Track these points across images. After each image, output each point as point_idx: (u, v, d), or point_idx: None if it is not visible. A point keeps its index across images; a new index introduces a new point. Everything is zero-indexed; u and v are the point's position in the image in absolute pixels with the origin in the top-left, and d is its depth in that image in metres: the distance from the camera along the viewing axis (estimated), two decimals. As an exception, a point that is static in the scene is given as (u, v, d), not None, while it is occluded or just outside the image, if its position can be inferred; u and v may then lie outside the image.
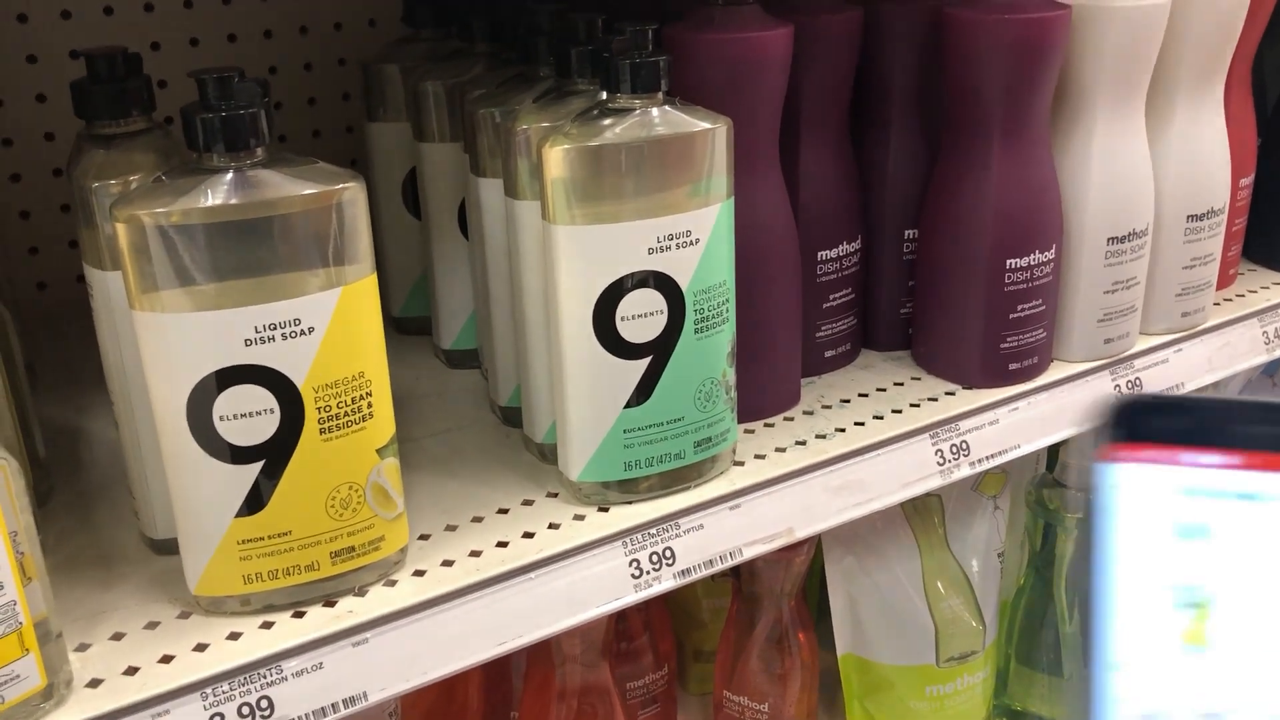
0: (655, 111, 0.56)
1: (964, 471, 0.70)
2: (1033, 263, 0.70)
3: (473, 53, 0.74)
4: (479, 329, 0.75)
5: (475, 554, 0.58)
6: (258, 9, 0.91)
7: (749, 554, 0.63)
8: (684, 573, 0.61)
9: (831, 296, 0.74)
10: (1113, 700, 0.32)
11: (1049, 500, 0.89)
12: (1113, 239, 0.73)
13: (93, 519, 0.62)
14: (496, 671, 0.85)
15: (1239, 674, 0.32)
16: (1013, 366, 0.73)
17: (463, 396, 0.75)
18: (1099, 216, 0.72)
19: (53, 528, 0.61)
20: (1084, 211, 0.72)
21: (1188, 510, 0.32)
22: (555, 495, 0.63)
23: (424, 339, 0.82)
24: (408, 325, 0.83)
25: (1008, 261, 0.70)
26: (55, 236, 0.89)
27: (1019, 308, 0.71)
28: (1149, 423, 0.33)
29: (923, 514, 0.87)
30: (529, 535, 0.59)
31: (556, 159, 0.55)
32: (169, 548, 0.57)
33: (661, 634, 0.90)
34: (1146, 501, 0.33)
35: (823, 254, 0.73)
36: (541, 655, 0.79)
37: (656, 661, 0.89)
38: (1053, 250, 0.71)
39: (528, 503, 0.62)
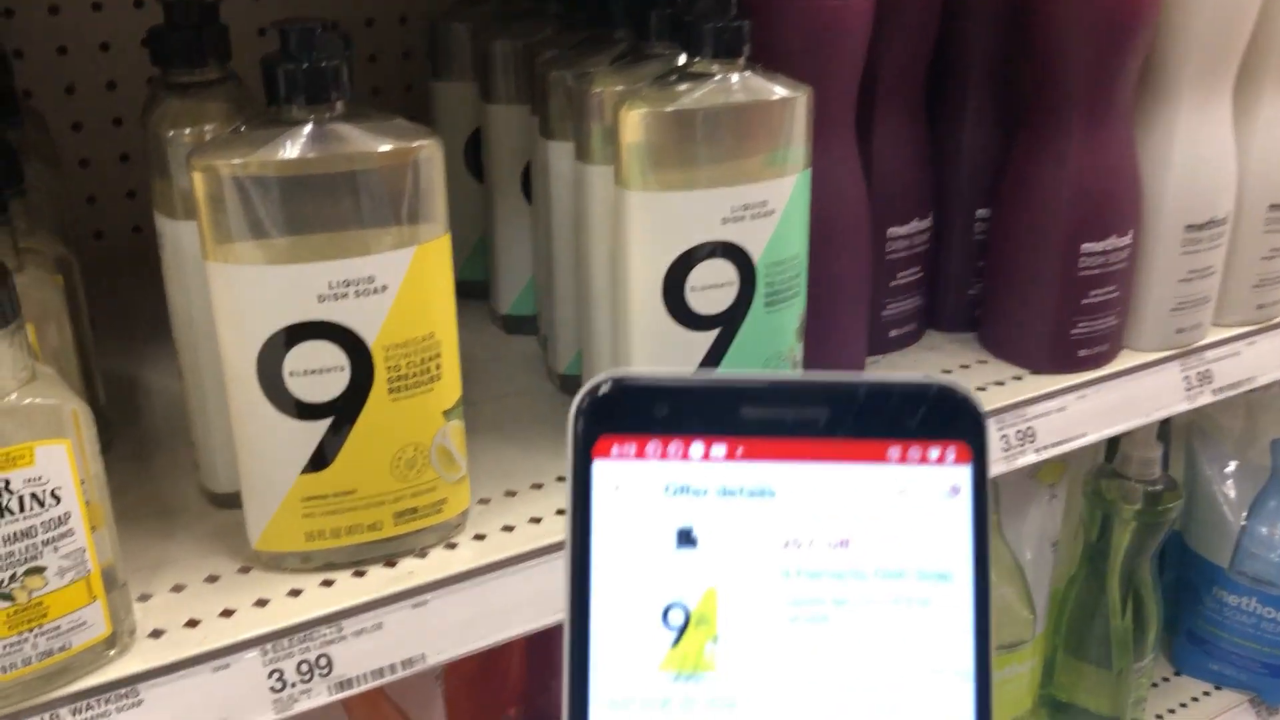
0: (735, 77, 0.55)
1: (1029, 458, 0.69)
2: (1109, 248, 0.69)
3: (543, 13, 0.72)
4: (539, 295, 0.74)
5: (535, 520, 0.57)
6: (322, -36, 0.90)
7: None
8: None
9: (900, 274, 0.72)
10: None
11: (1106, 491, 0.87)
12: (1191, 226, 0.71)
13: (152, 470, 0.62)
14: (540, 638, 0.85)
15: (742, 705, 0.27)
16: (1082, 353, 0.71)
17: (520, 362, 0.75)
18: (1179, 203, 0.70)
19: (113, 477, 0.60)
20: (1163, 197, 0.70)
21: (673, 512, 0.27)
22: (615, 465, 0.62)
23: (481, 303, 0.81)
24: (465, 289, 0.81)
25: (1083, 245, 0.68)
26: (114, 186, 0.89)
27: (1092, 293, 0.69)
28: (634, 410, 0.28)
29: (977, 499, 0.85)
30: (589, 504, 0.59)
31: (633, 123, 0.54)
32: (229, 501, 0.57)
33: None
34: (627, 503, 0.27)
35: (893, 230, 0.71)
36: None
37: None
38: (1130, 235, 0.69)
39: (587, 471, 0.62)
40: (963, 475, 0.28)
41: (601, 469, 0.28)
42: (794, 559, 0.28)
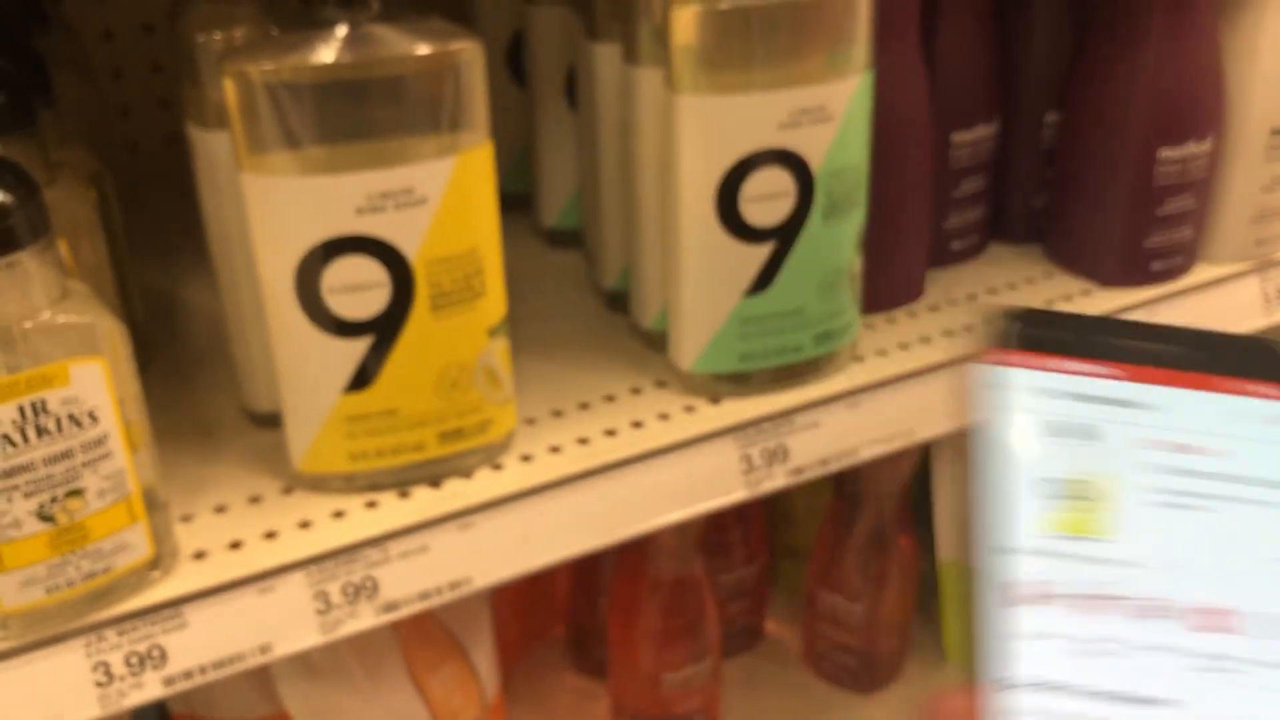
0: (794, -28, 0.52)
1: (1095, 376, 0.66)
2: (1186, 154, 0.65)
3: (588, -92, 0.68)
4: (584, 208, 0.71)
5: (583, 441, 0.56)
6: None
7: (866, 455, 0.60)
8: (797, 470, 0.58)
9: (963, 182, 0.69)
10: (999, 582, 0.35)
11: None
12: (1277, 131, 0.67)
13: (191, 389, 0.61)
14: (586, 558, 0.84)
15: (1129, 560, 0.34)
16: (1155, 266, 0.67)
17: (564, 278, 0.72)
18: (1264, 105, 0.66)
19: (152, 396, 0.59)
20: (1248, 99, 0.66)
21: (1070, 411, 0.35)
22: (664, 385, 0.60)
23: (523, 216, 0.79)
24: (507, 201, 0.78)
25: (1159, 151, 0.64)
26: (146, 97, 0.87)
27: (1167, 202, 0.66)
28: (1034, 333, 0.36)
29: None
30: (638, 425, 0.57)
31: (685, 22, 0.51)
32: (271, 421, 0.56)
33: (754, 529, 0.88)
34: (1030, 401, 0.35)
35: (957, 136, 0.67)
36: (633, 545, 0.78)
37: (748, 556, 0.88)
38: (1209, 140, 0.65)
39: (636, 391, 0.60)
40: None
41: (1016, 375, 0.36)
42: (1177, 461, 0.35)
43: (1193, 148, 0.65)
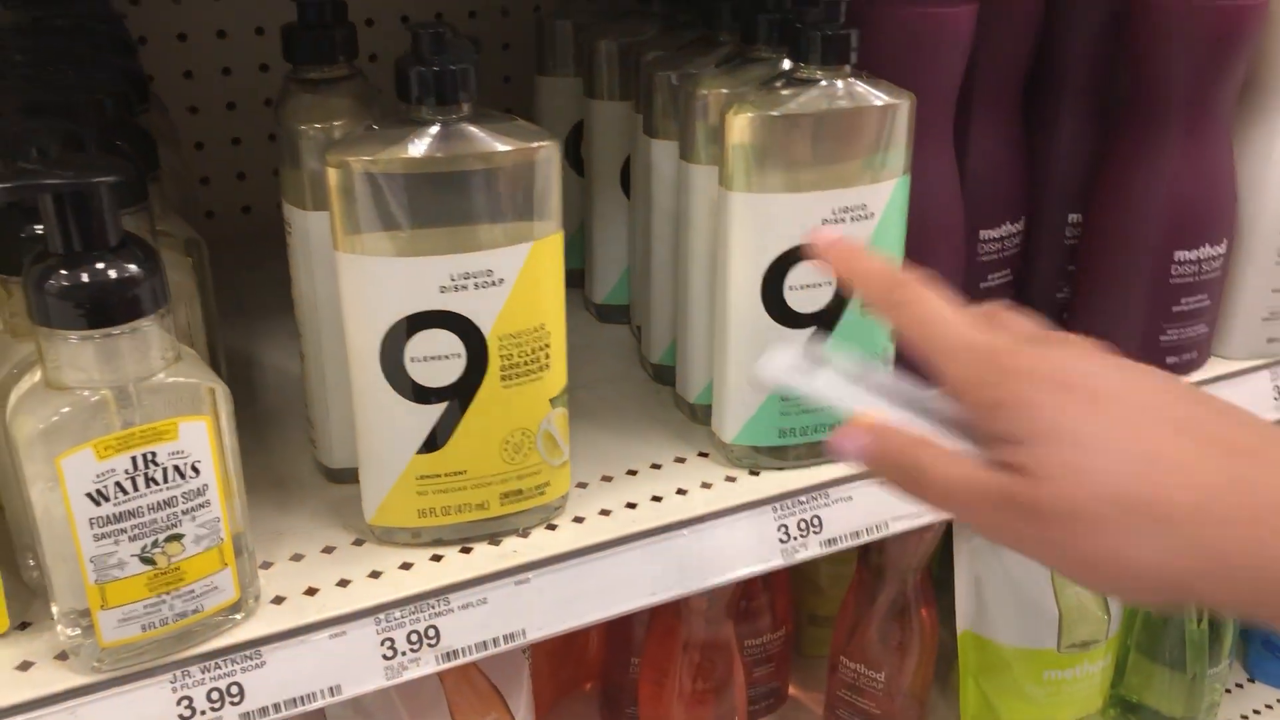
0: (840, 84, 0.57)
1: (1113, 462, 0.69)
2: (1202, 256, 0.69)
3: (647, 13, 0.74)
4: (634, 286, 0.76)
5: (631, 505, 0.60)
6: (428, -44, 0.93)
7: (895, 529, 0.64)
8: (830, 542, 0.62)
9: (990, 276, 0.73)
10: None
11: (1187, 496, 0.87)
12: (1287, 236, 0.71)
13: (268, 443, 0.66)
14: (620, 618, 0.87)
15: None
16: (1170, 360, 0.71)
17: (613, 350, 0.77)
18: (1276, 214, 0.70)
19: (231, 449, 0.65)
20: (1260, 207, 0.70)
21: None
22: (706, 455, 0.64)
23: (575, 291, 0.83)
24: (559, 276, 0.85)
25: (1176, 253, 0.69)
26: (226, 167, 0.93)
27: (1183, 301, 0.70)
28: None
29: (1056, 500, 0.86)
30: (682, 492, 0.61)
31: (740, 126, 0.56)
32: (343, 476, 0.60)
33: (780, 596, 0.91)
34: None
35: (985, 233, 0.72)
36: (668, 606, 0.81)
37: (775, 622, 0.91)
38: (1224, 244, 0.70)
39: (680, 460, 0.64)
40: None
41: None
42: None
43: (1208, 250, 0.69)
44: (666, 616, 0.81)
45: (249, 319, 0.80)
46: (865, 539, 0.63)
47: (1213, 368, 0.74)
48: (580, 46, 0.76)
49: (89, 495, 0.45)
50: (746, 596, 0.88)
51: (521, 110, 0.90)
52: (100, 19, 0.69)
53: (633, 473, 0.63)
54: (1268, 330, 0.74)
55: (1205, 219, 0.69)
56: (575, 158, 0.80)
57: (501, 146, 0.50)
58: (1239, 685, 1.02)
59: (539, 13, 0.86)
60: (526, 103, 0.83)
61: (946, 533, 0.88)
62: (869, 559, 0.86)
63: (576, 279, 0.83)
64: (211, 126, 0.91)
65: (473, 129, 0.50)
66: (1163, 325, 0.70)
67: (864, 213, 0.58)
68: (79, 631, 0.48)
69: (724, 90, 0.60)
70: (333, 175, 0.50)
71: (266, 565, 0.55)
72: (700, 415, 0.67)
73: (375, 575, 0.55)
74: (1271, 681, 1.01)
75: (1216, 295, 0.71)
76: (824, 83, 0.56)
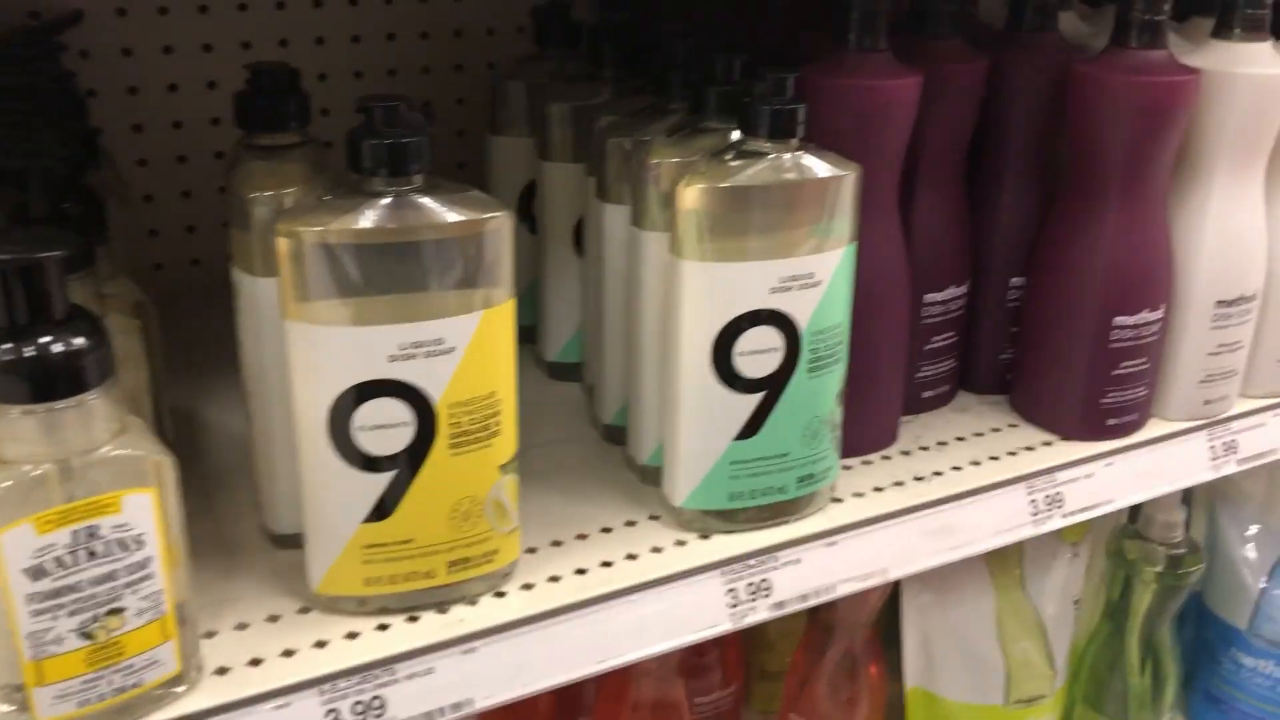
0: (788, 156, 0.58)
1: (1056, 523, 0.71)
2: (1140, 321, 0.71)
3: (600, 76, 0.75)
4: (586, 346, 0.76)
5: (580, 571, 0.60)
6: (382, 12, 0.94)
7: (842, 591, 0.64)
8: (779, 605, 0.62)
9: (935, 338, 0.75)
10: None
11: (1129, 551, 0.89)
12: (1221, 302, 0.73)
13: (214, 507, 0.65)
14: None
15: None
16: (1111, 422, 0.73)
17: (564, 410, 0.77)
18: (1210, 280, 0.73)
19: (176, 512, 0.64)
20: (1195, 274, 0.72)
21: None
22: (656, 518, 0.65)
23: (526, 348, 0.83)
24: (510, 333, 0.85)
25: (1115, 319, 0.70)
26: (175, 220, 0.92)
27: (1123, 364, 0.71)
28: None
29: (1002, 556, 0.87)
30: (632, 557, 0.61)
31: (691, 197, 0.57)
32: (290, 542, 0.60)
33: (731, 652, 0.91)
34: None
35: (930, 296, 0.73)
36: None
37: (725, 679, 0.91)
38: (1161, 310, 0.71)
39: (630, 524, 0.64)
40: None
41: None
42: None
43: (1146, 315, 0.71)
44: (616, 676, 0.81)
45: (198, 375, 0.79)
46: (813, 601, 0.63)
47: (1153, 428, 0.76)
48: (533, 108, 0.76)
49: (27, 571, 0.44)
50: (697, 654, 0.88)
51: (475, 165, 0.91)
52: (50, 77, 0.69)
53: (583, 537, 0.63)
54: (1204, 393, 0.76)
55: (1143, 285, 0.70)
56: (528, 215, 0.80)
57: (453, 217, 0.51)
58: (1182, 737, 1.03)
59: (493, 69, 0.87)
60: (480, 157, 0.84)
61: (895, 589, 0.88)
62: (818, 616, 0.87)
63: (528, 336, 0.83)
64: (161, 180, 0.91)
65: (425, 200, 0.51)
66: (1104, 388, 0.72)
67: (811, 280, 0.59)
68: (14, 708, 0.47)
69: (675, 160, 0.61)
70: (283, 244, 0.50)
71: (210, 635, 0.55)
72: (651, 477, 0.67)
73: (321, 645, 0.54)
74: (1213, 733, 1.03)
75: (1155, 359, 0.73)
76: (772, 155, 0.57)
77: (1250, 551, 0.98)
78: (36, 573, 0.45)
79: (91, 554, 0.46)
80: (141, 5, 0.86)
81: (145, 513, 0.47)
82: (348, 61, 0.93)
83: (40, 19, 0.81)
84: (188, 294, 0.90)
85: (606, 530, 0.64)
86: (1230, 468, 0.77)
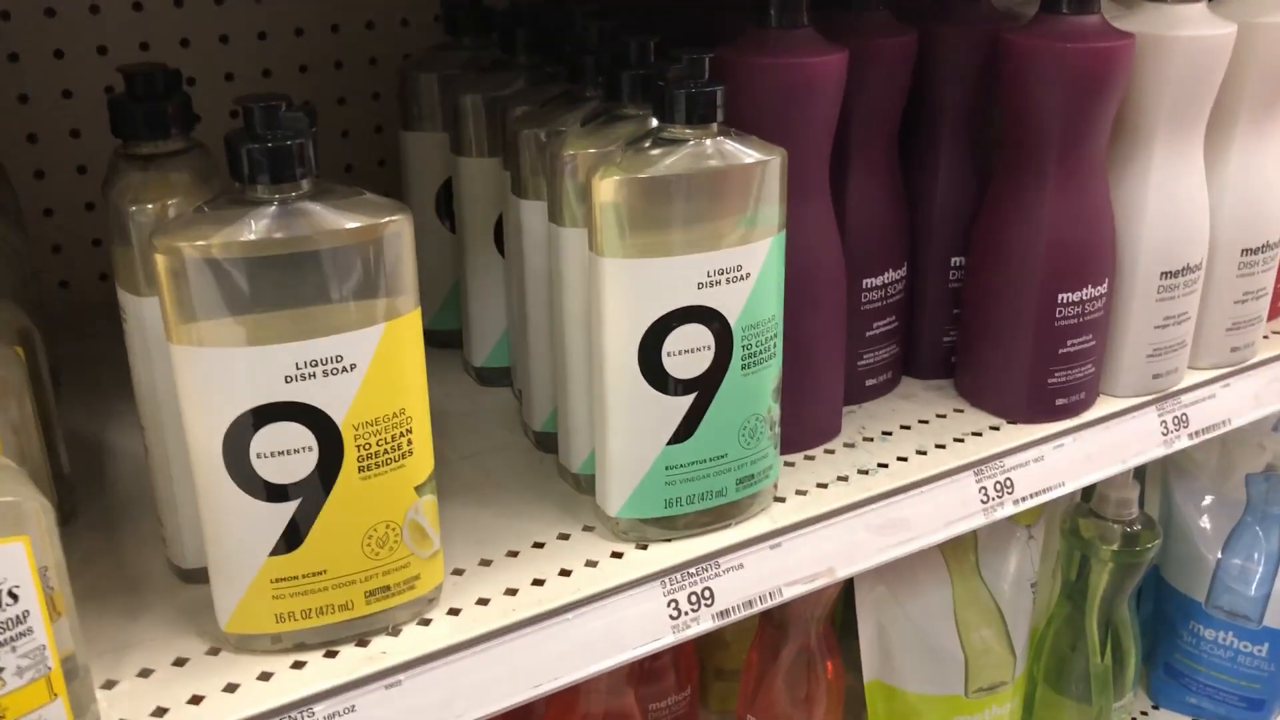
0: (709, 142, 0.55)
1: (1007, 510, 0.68)
2: (1085, 297, 0.68)
3: (513, 64, 0.72)
4: (513, 350, 0.73)
5: (511, 592, 0.57)
6: (289, 6, 0.89)
7: (789, 594, 0.61)
8: (723, 614, 0.59)
9: (875, 324, 0.72)
10: None
11: (1084, 530, 0.87)
12: (1166, 274, 0.71)
13: (117, 541, 0.61)
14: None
15: None
16: (1059, 402, 0.71)
17: (494, 416, 0.74)
18: (1153, 251, 0.70)
19: (77, 549, 0.60)
20: (1138, 246, 0.70)
21: None
22: (591, 529, 0.61)
23: (453, 352, 0.80)
24: (437, 338, 0.81)
25: (1059, 295, 0.68)
26: (79, 234, 0.87)
27: (1069, 343, 0.69)
28: None
29: (955, 543, 0.85)
30: (565, 573, 0.58)
31: (607, 190, 0.53)
32: (197, 577, 0.56)
33: (684, 655, 0.88)
34: None
35: (867, 281, 0.71)
36: (566, 678, 0.78)
37: (679, 682, 0.88)
38: (1105, 284, 0.69)
39: (563, 536, 0.61)
40: None
41: None
42: None
43: (1090, 291, 0.69)
44: (564, 691, 0.77)
45: (103, 398, 0.75)
46: (759, 607, 0.61)
47: (1102, 406, 0.73)
48: (445, 100, 0.73)
49: (-115, 635, 0.40)
50: (650, 658, 0.85)
51: (393, 161, 0.87)
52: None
53: (514, 554, 0.60)
54: (1152, 366, 0.74)
55: (1086, 260, 0.68)
56: (447, 213, 0.77)
57: (347, 223, 0.47)
58: (1144, 713, 1.02)
59: (406, 61, 0.82)
60: (398, 151, 0.80)
61: (849, 581, 0.86)
62: (770, 613, 0.84)
63: (454, 340, 0.79)
64: (61, 192, 0.86)
65: (314, 206, 0.47)
66: (1050, 368, 0.70)
67: (739, 273, 0.56)
68: (-115, 783, 0.43)
69: (591, 150, 0.57)
70: (161, 261, 0.46)
71: (110, 685, 0.51)
72: (585, 485, 0.64)
73: (231, 689, 0.50)
74: (1174, 707, 1.02)
75: (1101, 335, 0.71)
76: (692, 142, 0.54)
77: (1205, 523, 0.96)
78: (-104, 636, 0.41)
79: (-40, 611, 0.42)
80: (28, 6, 0.81)
81: (19, 563, 0.43)
82: (254, 60, 0.89)
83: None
84: (96, 310, 0.86)
85: (538, 545, 0.60)
86: (1183, 442, 0.76)
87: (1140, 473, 0.94)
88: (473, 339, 0.76)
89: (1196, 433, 0.76)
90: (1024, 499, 0.69)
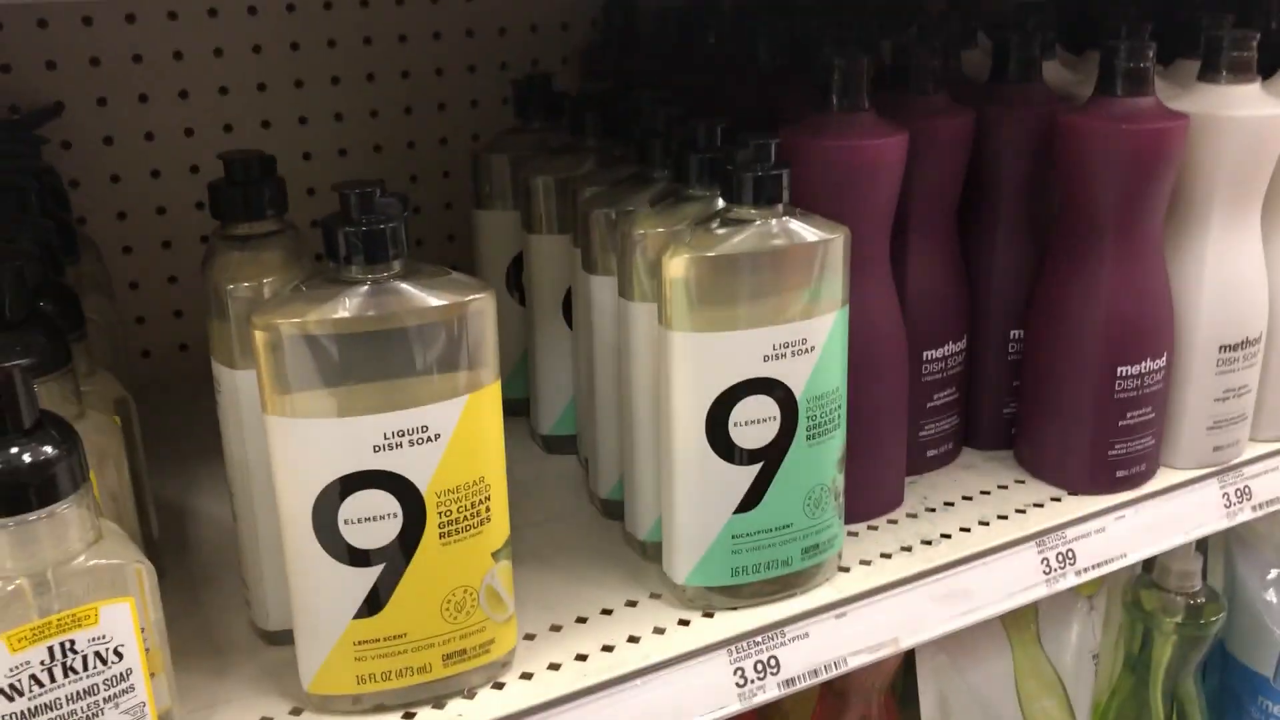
0: (774, 222, 0.57)
1: (1069, 581, 0.69)
2: (1144, 370, 0.69)
3: (583, 147, 0.75)
4: (579, 418, 0.75)
5: (581, 658, 0.58)
6: (364, 89, 0.93)
7: (854, 664, 0.62)
8: (788, 683, 0.60)
9: (936, 396, 0.73)
10: None
11: (1146, 602, 0.87)
12: (1225, 347, 0.72)
13: (203, 603, 0.63)
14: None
15: None
16: (1120, 474, 0.71)
17: (560, 484, 0.75)
18: (1212, 324, 0.71)
19: (164, 610, 0.62)
20: (1196, 319, 0.71)
21: None
22: (658, 597, 0.63)
23: (520, 420, 0.82)
24: (506, 406, 0.82)
25: (1119, 369, 0.69)
26: (161, 306, 0.91)
27: (1128, 415, 0.70)
28: None
29: (1016, 613, 0.85)
30: (634, 640, 0.59)
31: (677, 268, 0.55)
32: (280, 639, 0.58)
33: (744, 723, 0.89)
34: None
35: (928, 354, 0.72)
36: (628, 745, 0.78)
37: (739, 751, 0.88)
38: (1164, 357, 0.70)
39: (631, 604, 0.62)
40: None
41: None
42: None
43: (1149, 364, 0.69)
44: (626, 756, 0.78)
45: (187, 464, 0.78)
46: (824, 677, 0.61)
47: (1163, 478, 0.74)
48: (516, 181, 0.76)
49: (2, 692, 0.43)
50: (709, 726, 0.86)
51: (464, 237, 0.90)
52: (31, 173, 0.68)
53: (582, 620, 0.61)
54: (1214, 439, 0.74)
55: (1144, 333, 0.69)
56: (517, 287, 0.79)
57: (434, 301, 0.50)
58: (1213, 790, 1.00)
59: (476, 142, 0.86)
60: (468, 227, 0.83)
61: (910, 650, 0.86)
62: (832, 682, 0.84)
63: (521, 408, 0.82)
64: (146, 266, 0.90)
65: (404, 285, 0.50)
66: (1110, 440, 0.70)
67: (804, 347, 0.58)
68: (-8, 835, 0.45)
69: (660, 229, 0.60)
70: (260, 337, 0.48)
71: (199, 742, 0.53)
72: (651, 553, 0.65)
73: (314, 748, 0.52)
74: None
75: (1161, 407, 0.71)
76: (758, 222, 0.56)
77: (1272, 596, 0.95)
78: (11, 692, 0.43)
79: (69, 669, 0.44)
80: (122, 93, 0.86)
81: (124, 623, 0.45)
82: (331, 140, 0.93)
83: (20, 112, 0.81)
84: (177, 379, 0.89)
85: (607, 611, 0.62)
86: (1245, 514, 0.75)
87: (1203, 544, 0.93)
88: (540, 407, 0.79)
89: (1260, 505, 0.76)
90: (1086, 570, 0.69)
